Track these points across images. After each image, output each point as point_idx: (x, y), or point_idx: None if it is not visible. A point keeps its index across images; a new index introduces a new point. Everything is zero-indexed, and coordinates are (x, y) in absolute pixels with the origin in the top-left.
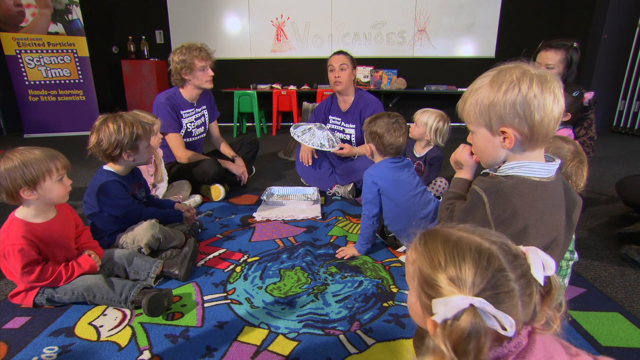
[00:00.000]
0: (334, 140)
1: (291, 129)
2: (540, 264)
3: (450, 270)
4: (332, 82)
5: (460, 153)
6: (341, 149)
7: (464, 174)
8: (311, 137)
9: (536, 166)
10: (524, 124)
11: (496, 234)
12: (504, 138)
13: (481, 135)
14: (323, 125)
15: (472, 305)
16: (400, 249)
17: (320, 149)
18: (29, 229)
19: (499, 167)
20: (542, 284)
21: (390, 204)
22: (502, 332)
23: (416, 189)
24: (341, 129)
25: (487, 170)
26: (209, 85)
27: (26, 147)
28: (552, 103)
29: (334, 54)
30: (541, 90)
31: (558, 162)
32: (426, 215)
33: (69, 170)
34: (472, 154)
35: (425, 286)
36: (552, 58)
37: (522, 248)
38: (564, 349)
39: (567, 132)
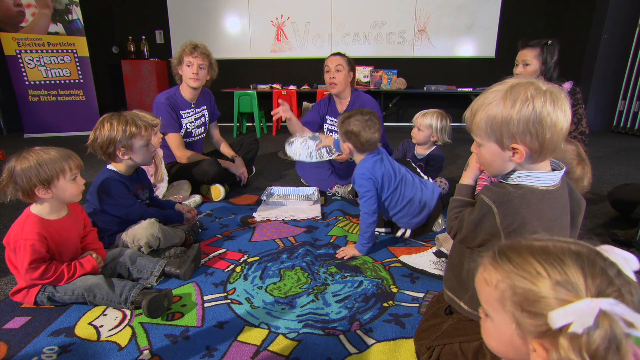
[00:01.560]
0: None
1: (286, 147)
2: (622, 260)
3: (556, 276)
4: (327, 84)
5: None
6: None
7: (466, 179)
8: (309, 154)
9: (542, 176)
10: (535, 141)
11: (571, 239)
12: (514, 153)
13: (490, 150)
14: (315, 134)
15: (601, 310)
16: (399, 233)
17: (321, 159)
18: (43, 225)
19: (508, 176)
20: (636, 279)
21: (385, 194)
22: (636, 334)
23: (399, 175)
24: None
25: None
26: (193, 83)
27: (42, 147)
28: (563, 119)
29: (331, 55)
30: (553, 108)
31: (563, 169)
32: (412, 197)
33: (82, 170)
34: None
35: (526, 304)
36: (527, 54)
37: (596, 248)
38: None
39: None
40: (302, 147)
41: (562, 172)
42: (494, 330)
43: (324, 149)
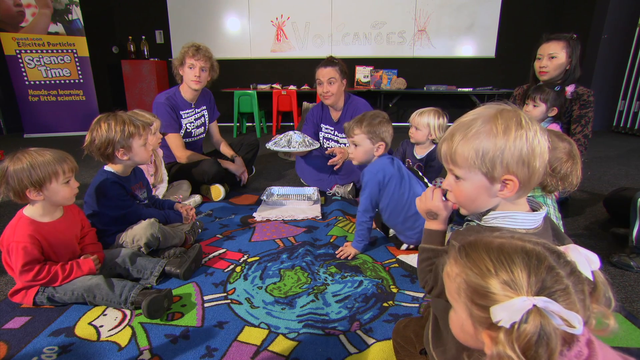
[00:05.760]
0: (310, 141)
1: (268, 145)
2: (584, 259)
3: (503, 275)
4: (321, 96)
5: (433, 201)
6: (327, 150)
7: (437, 224)
8: (287, 142)
9: (521, 217)
10: (526, 171)
11: (533, 237)
12: (504, 186)
13: (475, 183)
14: (298, 132)
15: (535, 306)
16: (403, 247)
17: (298, 149)
18: (35, 228)
19: (483, 216)
20: (592, 279)
21: (387, 198)
22: (571, 331)
23: (409, 183)
24: (335, 138)
25: (467, 218)
26: (194, 85)
27: (37, 149)
28: (545, 148)
29: (322, 65)
30: (542, 136)
31: (544, 210)
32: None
33: (76, 173)
34: (445, 199)
35: (477, 297)
36: (554, 47)
37: (561, 247)
38: None
39: (556, 128)
40: (282, 139)
41: (542, 213)
42: (455, 319)
43: (301, 138)
